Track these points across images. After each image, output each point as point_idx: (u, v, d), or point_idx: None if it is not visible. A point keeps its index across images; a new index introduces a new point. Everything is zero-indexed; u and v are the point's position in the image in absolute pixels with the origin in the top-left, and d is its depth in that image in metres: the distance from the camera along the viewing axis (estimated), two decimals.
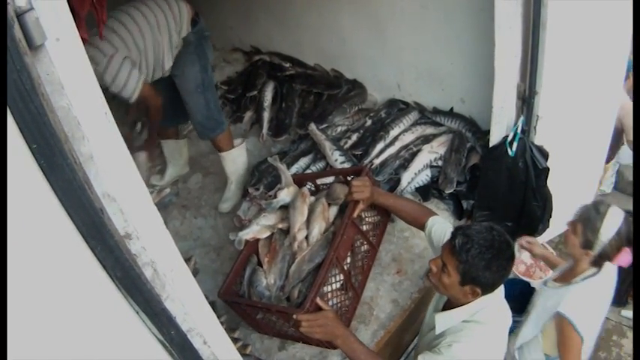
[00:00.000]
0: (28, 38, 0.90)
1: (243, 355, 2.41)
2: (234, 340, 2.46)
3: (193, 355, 1.27)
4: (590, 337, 2.13)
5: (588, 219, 2.06)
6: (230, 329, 2.56)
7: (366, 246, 2.59)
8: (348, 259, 2.47)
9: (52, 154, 0.89)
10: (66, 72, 1.02)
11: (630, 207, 3.40)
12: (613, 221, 2.02)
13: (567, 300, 2.08)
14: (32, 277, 0.86)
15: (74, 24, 1.07)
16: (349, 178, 2.64)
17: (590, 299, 2.12)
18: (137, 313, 1.09)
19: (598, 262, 2.09)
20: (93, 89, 1.11)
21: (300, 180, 2.81)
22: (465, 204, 3.01)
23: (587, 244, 2.06)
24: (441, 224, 2.17)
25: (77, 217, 0.93)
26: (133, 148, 3.21)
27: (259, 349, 2.53)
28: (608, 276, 2.17)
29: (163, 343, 1.18)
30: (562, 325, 2.07)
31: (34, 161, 0.87)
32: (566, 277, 2.24)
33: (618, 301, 3.29)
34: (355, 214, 2.41)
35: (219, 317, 2.57)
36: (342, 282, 2.39)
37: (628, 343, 3.16)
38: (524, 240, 2.65)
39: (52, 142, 0.88)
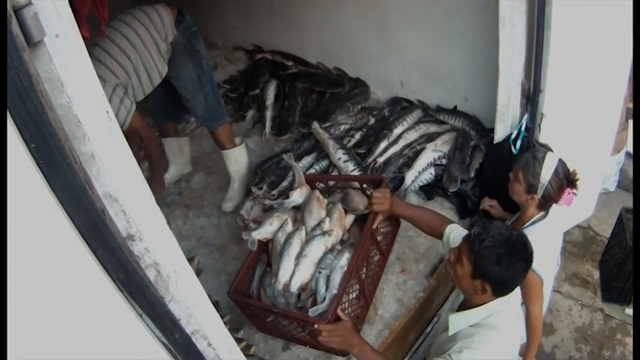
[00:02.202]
0: (26, 34, 0.88)
1: (246, 355, 2.39)
2: (238, 341, 2.44)
3: (198, 358, 1.25)
4: (547, 278, 2.24)
5: (527, 165, 2.19)
6: (234, 329, 2.54)
7: (378, 255, 2.61)
8: (364, 269, 2.49)
9: (52, 153, 0.87)
10: (66, 69, 1.00)
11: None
12: (550, 163, 2.17)
13: None
14: (32, 281, 0.84)
15: (75, 21, 1.04)
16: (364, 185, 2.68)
17: (542, 241, 2.18)
18: (140, 316, 1.06)
19: (544, 205, 2.22)
20: (94, 87, 1.09)
21: (312, 180, 2.80)
22: (469, 204, 2.99)
23: (531, 189, 2.18)
24: (459, 231, 2.13)
25: (78, 219, 0.91)
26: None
27: (263, 349, 2.51)
28: (555, 219, 2.27)
29: (167, 346, 1.16)
30: None
31: (33, 161, 0.85)
32: (515, 226, 2.31)
33: (622, 300, 3.28)
34: (374, 226, 2.43)
35: (222, 317, 2.55)
36: (357, 292, 2.40)
37: (632, 342, 3.14)
38: (486, 202, 2.76)
39: (52, 141, 0.86)
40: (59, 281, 0.93)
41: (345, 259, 2.36)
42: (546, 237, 2.23)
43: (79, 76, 1.04)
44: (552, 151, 2.65)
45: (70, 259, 0.93)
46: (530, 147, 2.64)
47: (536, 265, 2.09)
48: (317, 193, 2.63)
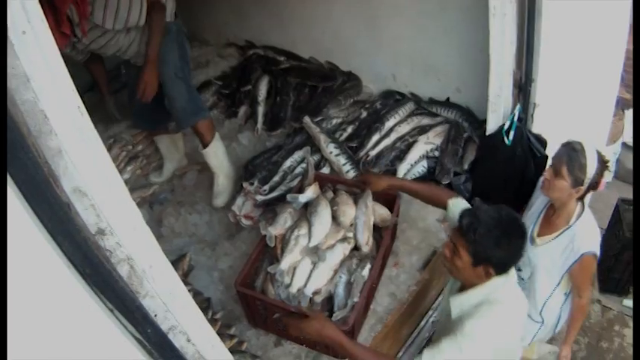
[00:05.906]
0: None
1: (238, 351, 2.39)
2: (230, 337, 2.44)
3: (174, 353, 1.24)
4: None
5: (571, 159, 2.10)
6: (226, 326, 2.54)
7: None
8: None
9: (13, 147, 0.85)
10: (33, 65, 0.99)
11: (630, 195, 3.38)
12: (592, 152, 2.10)
13: (582, 239, 2.18)
14: None
15: (43, 17, 1.03)
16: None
17: (594, 228, 2.23)
18: (111, 311, 1.05)
19: (583, 195, 2.18)
20: (64, 83, 1.07)
21: (321, 179, 2.82)
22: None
23: (578, 182, 2.10)
24: (464, 204, 2.09)
25: (42, 213, 0.90)
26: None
27: (255, 346, 2.50)
28: (589, 208, 2.27)
29: (142, 342, 1.14)
30: (588, 261, 2.19)
31: None
32: (556, 226, 2.27)
33: (619, 291, 3.27)
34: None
35: (214, 314, 2.57)
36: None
37: (630, 333, 3.13)
38: None
39: (12, 135, 0.85)
40: (24, 275, 0.91)
41: (367, 269, 2.45)
42: (594, 222, 2.25)
43: (48, 72, 1.02)
44: (546, 141, 2.64)
45: (32, 252, 0.92)
46: (523, 138, 2.62)
47: (598, 251, 2.18)
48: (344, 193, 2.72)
